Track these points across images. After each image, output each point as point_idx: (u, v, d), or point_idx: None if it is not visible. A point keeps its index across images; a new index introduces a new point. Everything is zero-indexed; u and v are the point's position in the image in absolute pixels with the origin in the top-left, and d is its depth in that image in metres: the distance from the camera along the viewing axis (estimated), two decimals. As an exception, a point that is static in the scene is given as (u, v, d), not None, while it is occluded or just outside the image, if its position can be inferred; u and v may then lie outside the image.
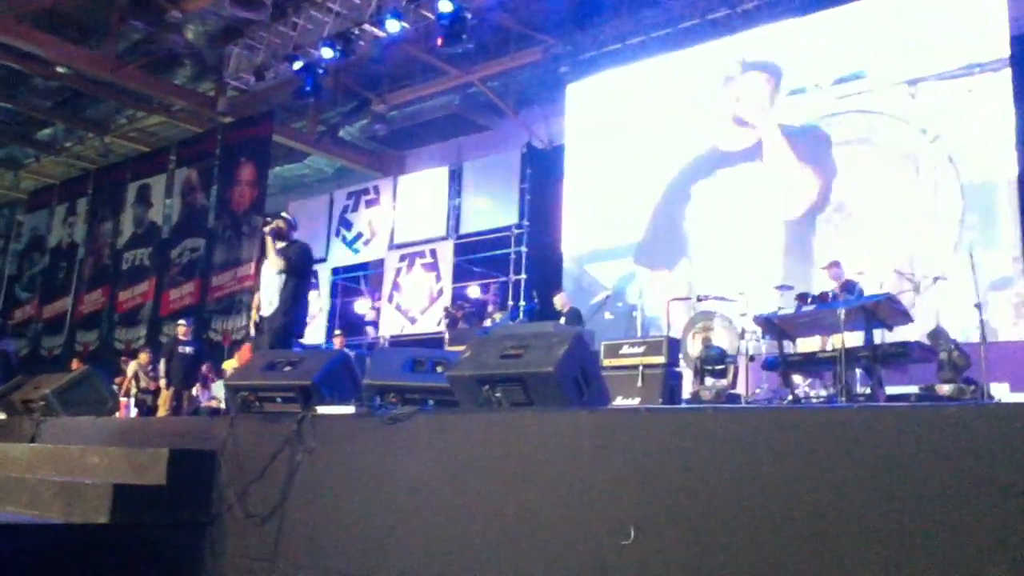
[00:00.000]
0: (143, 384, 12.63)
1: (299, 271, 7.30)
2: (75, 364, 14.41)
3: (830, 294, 7.89)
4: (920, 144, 10.87)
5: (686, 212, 12.57)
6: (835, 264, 8.78)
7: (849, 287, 8.40)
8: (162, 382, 11.87)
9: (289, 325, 7.14)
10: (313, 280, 16.45)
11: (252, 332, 9.02)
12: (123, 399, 12.43)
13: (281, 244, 7.27)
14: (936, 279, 8.32)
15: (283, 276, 7.14)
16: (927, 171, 10.76)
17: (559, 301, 10.88)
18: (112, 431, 6.51)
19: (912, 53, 11.09)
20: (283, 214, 7.65)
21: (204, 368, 12.85)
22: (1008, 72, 10.24)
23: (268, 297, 7.21)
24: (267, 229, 7.34)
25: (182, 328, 12.25)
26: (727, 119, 12.48)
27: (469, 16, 11.82)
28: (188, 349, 11.98)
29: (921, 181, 10.79)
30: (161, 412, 11.64)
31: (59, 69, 15.40)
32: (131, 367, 13.19)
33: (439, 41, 12.05)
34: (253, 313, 7.64)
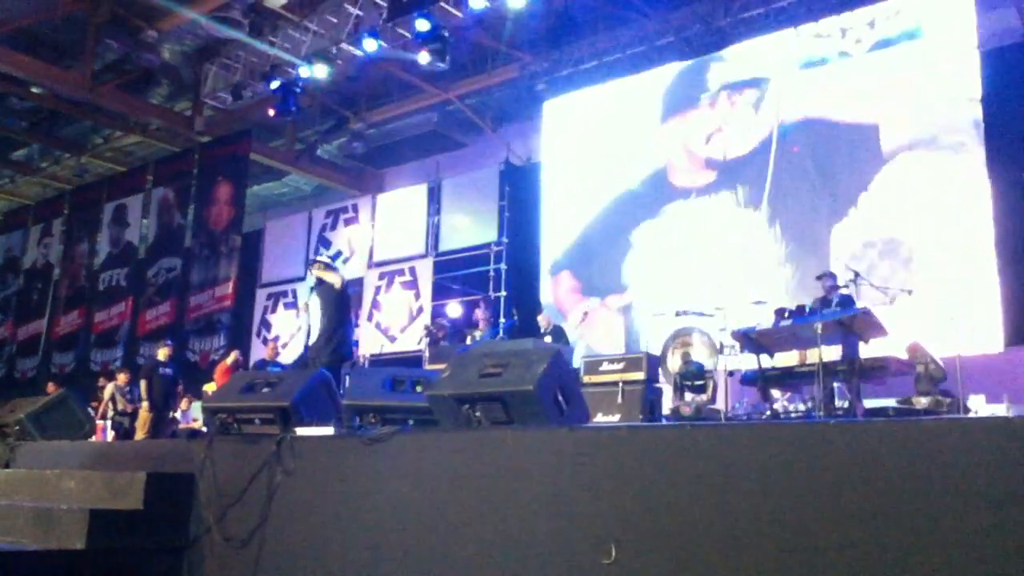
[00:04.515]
0: (120, 407, 12.46)
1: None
2: (51, 387, 14.22)
3: (807, 308, 7.86)
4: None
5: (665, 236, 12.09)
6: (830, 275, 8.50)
7: (845, 300, 8.10)
8: (144, 404, 11.75)
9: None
10: (292, 299, 16.41)
11: None
12: (100, 422, 12.27)
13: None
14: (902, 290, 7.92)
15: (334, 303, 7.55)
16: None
17: (543, 321, 10.95)
18: (88, 455, 6.43)
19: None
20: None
21: (179, 389, 12.73)
22: None
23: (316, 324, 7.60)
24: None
25: (165, 350, 12.13)
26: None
27: (447, 34, 11.87)
28: (168, 371, 11.88)
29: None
30: (139, 435, 11.50)
31: (34, 89, 15.31)
32: (108, 389, 13.01)
33: (422, 57, 12.04)
34: None
